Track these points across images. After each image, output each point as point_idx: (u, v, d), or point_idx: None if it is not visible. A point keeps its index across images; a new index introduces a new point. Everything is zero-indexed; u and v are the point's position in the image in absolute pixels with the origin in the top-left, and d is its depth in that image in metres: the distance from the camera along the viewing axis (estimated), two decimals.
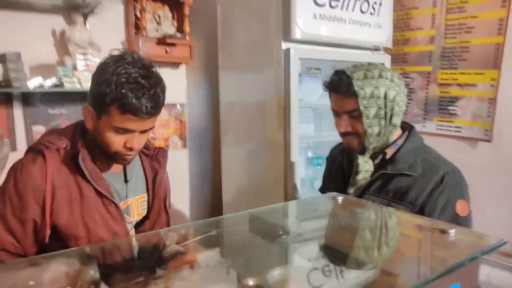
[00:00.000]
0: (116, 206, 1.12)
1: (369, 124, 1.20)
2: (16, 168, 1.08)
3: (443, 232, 0.79)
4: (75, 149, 1.10)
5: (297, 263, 0.74)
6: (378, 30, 2.13)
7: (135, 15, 2.25)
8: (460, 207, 1.14)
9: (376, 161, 1.27)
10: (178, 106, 2.49)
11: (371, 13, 2.08)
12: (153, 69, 1.06)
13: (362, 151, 1.26)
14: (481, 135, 2.07)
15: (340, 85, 1.20)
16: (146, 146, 1.28)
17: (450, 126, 2.19)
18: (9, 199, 1.05)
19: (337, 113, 1.26)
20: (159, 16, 2.33)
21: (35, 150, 1.09)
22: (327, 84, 1.26)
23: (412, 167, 1.20)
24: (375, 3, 2.08)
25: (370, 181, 1.26)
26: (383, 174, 1.24)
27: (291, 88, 1.87)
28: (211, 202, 2.70)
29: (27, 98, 1.96)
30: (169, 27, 2.34)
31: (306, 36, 1.86)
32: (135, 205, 1.23)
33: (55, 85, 1.82)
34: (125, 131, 1.05)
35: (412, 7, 2.34)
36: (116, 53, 1.05)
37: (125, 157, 1.10)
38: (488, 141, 2.06)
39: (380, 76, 1.20)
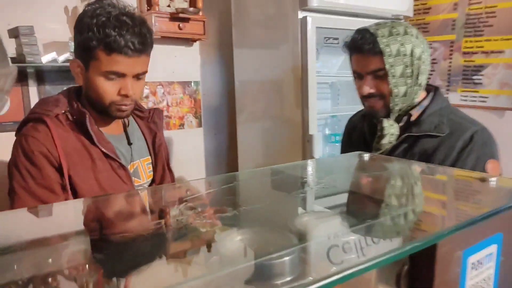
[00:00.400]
0: (125, 169, 1.09)
1: (395, 83, 1.14)
2: (20, 140, 1.02)
3: (483, 180, 0.73)
4: (76, 113, 1.05)
5: (322, 210, 0.69)
6: None
7: None
8: (491, 167, 1.07)
9: (401, 124, 1.21)
10: (192, 84, 2.46)
11: None
12: (135, 11, 1.03)
13: (387, 114, 1.20)
14: (508, 104, 1.98)
15: (364, 43, 1.14)
16: (139, 109, 1.24)
17: (475, 97, 2.10)
18: (26, 171, 0.98)
19: (359, 75, 1.20)
20: None
21: (34, 119, 1.03)
22: (348, 44, 1.20)
23: (438, 128, 1.14)
24: None
25: (394, 145, 1.20)
26: (408, 137, 1.18)
27: (309, 58, 1.81)
28: None
29: (42, 76, 1.94)
30: (181, 3, 2.30)
31: (323, 3, 1.80)
32: (143, 167, 1.20)
33: (68, 60, 1.80)
34: (116, 75, 1.01)
35: None
36: (91, 1, 1.02)
37: (121, 107, 1.04)
38: None
39: (406, 33, 1.14)
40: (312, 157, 1.91)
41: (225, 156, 2.66)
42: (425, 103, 1.20)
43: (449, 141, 1.13)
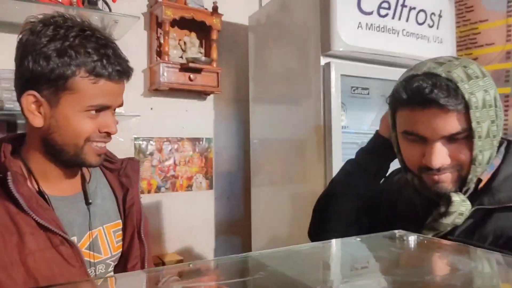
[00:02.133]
0: (71, 245, 0.78)
1: (480, 148, 0.79)
2: None
3: None
4: (2, 170, 0.77)
5: None
6: (439, 45, 1.78)
7: (158, 41, 2.06)
8: None
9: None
10: (204, 141, 2.20)
11: (430, 26, 1.74)
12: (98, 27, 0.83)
13: (458, 188, 0.84)
14: None
15: (440, 91, 0.76)
16: (109, 158, 0.97)
17: None
18: None
19: (422, 139, 0.82)
20: (184, 43, 2.12)
21: None
22: (410, 94, 0.80)
23: None
24: (433, 14, 1.75)
25: None
26: (477, 211, 0.82)
27: (333, 111, 1.52)
28: (240, 252, 2.30)
29: None
30: (195, 54, 2.12)
31: (350, 48, 1.54)
32: (107, 236, 0.89)
33: None
34: (100, 108, 0.80)
35: (478, 21, 1.98)
36: (32, 20, 0.78)
37: (99, 149, 0.83)
38: None
39: (483, 74, 0.80)
40: None
41: (239, 223, 2.32)
42: (496, 162, 0.86)
43: None
